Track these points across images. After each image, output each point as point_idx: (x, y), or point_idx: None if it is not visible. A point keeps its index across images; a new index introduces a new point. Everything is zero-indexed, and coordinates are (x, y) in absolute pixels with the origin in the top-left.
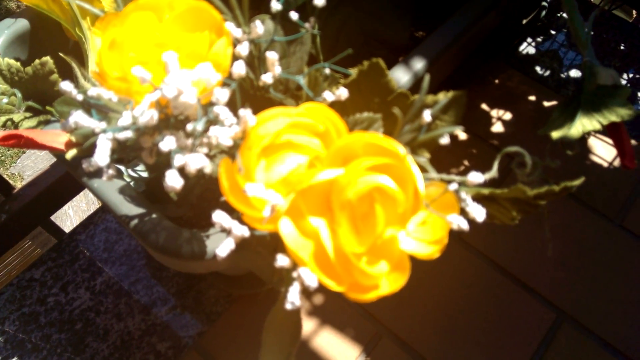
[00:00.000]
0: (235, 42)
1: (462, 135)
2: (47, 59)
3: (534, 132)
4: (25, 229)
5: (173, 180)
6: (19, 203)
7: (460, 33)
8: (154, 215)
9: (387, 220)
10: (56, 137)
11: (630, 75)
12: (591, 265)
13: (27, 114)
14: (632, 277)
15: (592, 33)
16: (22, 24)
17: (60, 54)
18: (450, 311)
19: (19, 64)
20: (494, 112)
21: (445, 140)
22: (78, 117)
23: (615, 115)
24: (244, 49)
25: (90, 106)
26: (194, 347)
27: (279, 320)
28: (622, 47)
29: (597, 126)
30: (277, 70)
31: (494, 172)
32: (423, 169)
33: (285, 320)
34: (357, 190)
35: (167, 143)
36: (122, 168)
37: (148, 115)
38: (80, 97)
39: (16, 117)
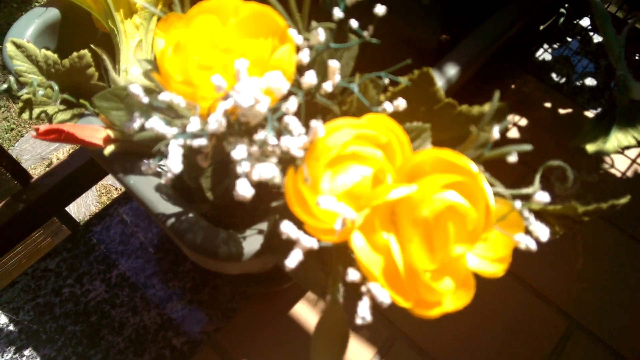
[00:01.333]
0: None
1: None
2: (85, 52)
3: (549, 139)
4: (41, 219)
5: (244, 190)
6: (36, 193)
7: (495, 39)
8: (190, 215)
9: (457, 238)
10: (95, 132)
11: None
12: (603, 274)
13: (61, 107)
14: None
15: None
16: (52, 13)
17: (91, 46)
18: (464, 317)
19: (55, 56)
20: (510, 118)
21: (513, 158)
22: (154, 123)
23: None
24: (305, 55)
25: (152, 109)
26: (209, 342)
27: (328, 327)
28: (636, 57)
29: (633, 142)
30: (337, 78)
31: (536, 187)
32: (490, 184)
33: (334, 327)
34: (434, 209)
35: (239, 152)
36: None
37: (217, 123)
38: (146, 100)
39: (50, 109)
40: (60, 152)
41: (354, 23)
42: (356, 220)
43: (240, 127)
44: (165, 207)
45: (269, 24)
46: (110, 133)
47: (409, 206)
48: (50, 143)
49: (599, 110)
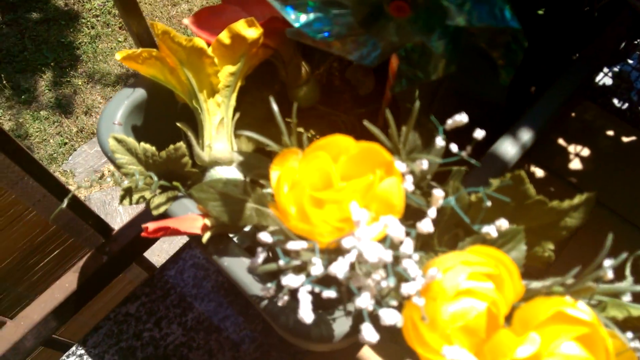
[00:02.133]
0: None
1: (539, 172)
2: (181, 144)
3: (613, 170)
4: (122, 266)
5: (370, 336)
6: (118, 245)
7: (570, 96)
8: None
9: None
10: (194, 222)
11: None
12: None
13: (157, 191)
14: None
15: None
16: (139, 93)
17: (178, 124)
18: None
19: (154, 148)
20: (572, 148)
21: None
22: (290, 281)
23: None
24: (409, 185)
25: (275, 245)
26: None
27: None
28: None
29: None
30: (439, 203)
31: (629, 282)
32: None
33: None
34: None
35: (364, 300)
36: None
37: (342, 269)
38: (269, 239)
39: (147, 194)
40: (111, 165)
41: (454, 147)
42: None
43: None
44: (258, 289)
45: (376, 158)
46: (207, 222)
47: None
48: (101, 156)
49: None
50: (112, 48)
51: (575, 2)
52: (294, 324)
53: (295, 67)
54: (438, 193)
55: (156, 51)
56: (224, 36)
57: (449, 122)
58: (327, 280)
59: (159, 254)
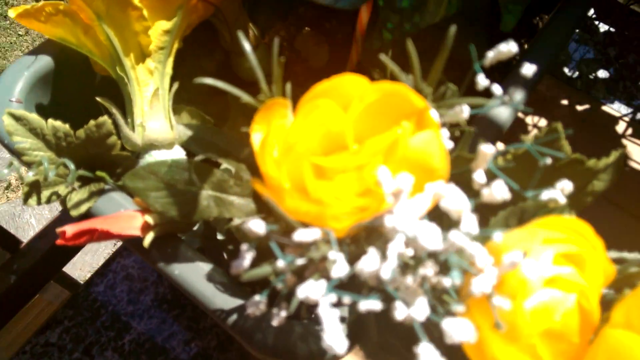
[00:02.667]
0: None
1: (499, 147)
2: (105, 119)
3: (569, 137)
4: (37, 286)
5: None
6: (28, 260)
7: (554, 55)
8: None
9: None
10: (131, 221)
11: None
12: None
13: (75, 184)
14: None
15: (614, 30)
16: (44, 62)
17: (97, 99)
18: None
19: (67, 126)
20: (529, 119)
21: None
22: (308, 290)
23: None
24: (447, 142)
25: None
26: None
27: None
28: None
29: None
30: (489, 164)
31: None
32: None
33: None
34: None
35: (420, 309)
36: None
37: (390, 266)
38: (263, 231)
39: (61, 189)
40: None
41: (497, 89)
42: None
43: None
44: (224, 301)
45: (402, 106)
46: (149, 219)
47: None
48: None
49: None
50: (12, 43)
51: None
52: (275, 340)
53: (241, 30)
54: (486, 149)
55: (64, 4)
56: None
57: (490, 54)
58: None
59: (81, 267)
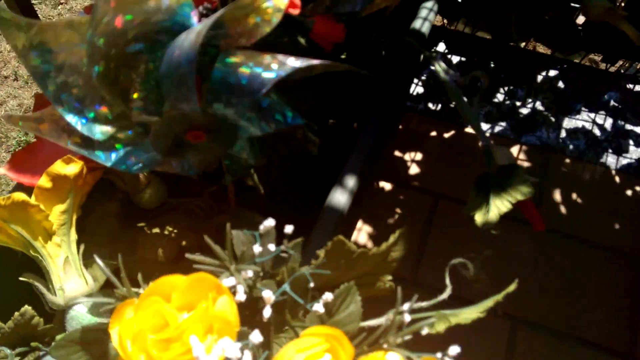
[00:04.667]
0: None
1: (387, 186)
2: (27, 308)
3: (439, 165)
4: None
5: None
6: None
7: (377, 136)
8: None
9: None
10: None
11: (621, 123)
12: (521, 266)
13: (16, 358)
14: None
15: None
16: None
17: (21, 279)
18: None
19: None
20: (407, 156)
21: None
22: None
23: (520, 194)
24: (241, 295)
25: None
26: None
27: None
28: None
29: (509, 206)
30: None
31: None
32: None
33: None
34: None
35: None
36: None
37: None
38: None
39: None
40: None
41: (271, 247)
42: None
43: None
44: None
45: (206, 284)
46: None
47: None
48: None
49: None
50: None
51: (364, 45)
52: None
53: (131, 175)
54: (266, 294)
55: None
56: (44, 181)
57: (261, 228)
58: None
59: None
